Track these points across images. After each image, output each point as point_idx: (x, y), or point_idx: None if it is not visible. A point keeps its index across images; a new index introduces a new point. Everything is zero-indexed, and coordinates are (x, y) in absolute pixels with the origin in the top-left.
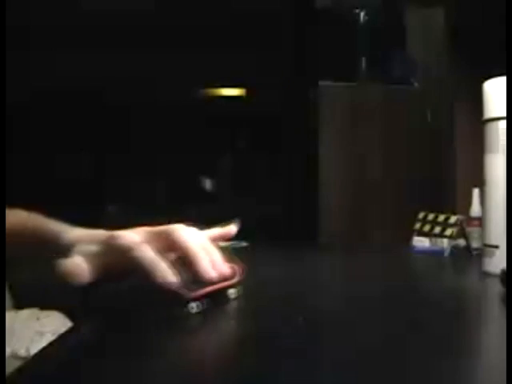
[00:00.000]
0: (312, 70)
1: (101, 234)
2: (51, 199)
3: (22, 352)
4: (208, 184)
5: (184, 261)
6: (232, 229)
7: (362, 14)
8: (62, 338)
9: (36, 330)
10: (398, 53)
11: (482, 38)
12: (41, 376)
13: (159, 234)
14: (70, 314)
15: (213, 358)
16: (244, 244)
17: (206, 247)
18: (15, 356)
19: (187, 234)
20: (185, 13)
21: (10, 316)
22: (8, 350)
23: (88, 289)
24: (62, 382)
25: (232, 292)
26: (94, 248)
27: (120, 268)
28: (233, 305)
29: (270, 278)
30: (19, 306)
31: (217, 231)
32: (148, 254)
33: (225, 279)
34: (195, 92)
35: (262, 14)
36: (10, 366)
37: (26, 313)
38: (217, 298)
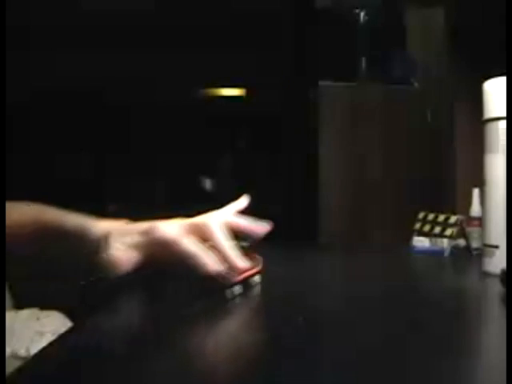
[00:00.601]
0: (312, 69)
1: (135, 226)
2: (51, 199)
3: (22, 352)
4: (208, 184)
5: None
6: (242, 202)
7: (362, 14)
8: (61, 338)
9: (36, 330)
10: (398, 53)
11: (481, 38)
12: (41, 376)
13: (193, 228)
14: (69, 314)
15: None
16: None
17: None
18: (15, 356)
19: (218, 229)
20: (185, 13)
21: (10, 316)
22: (8, 350)
23: (86, 287)
24: (61, 381)
25: (256, 278)
26: (131, 240)
27: (161, 259)
28: (237, 303)
29: (270, 277)
30: (19, 306)
31: (232, 208)
32: (193, 246)
33: (251, 267)
34: (195, 92)
35: (262, 13)
36: (10, 366)
37: (25, 313)
38: (245, 282)
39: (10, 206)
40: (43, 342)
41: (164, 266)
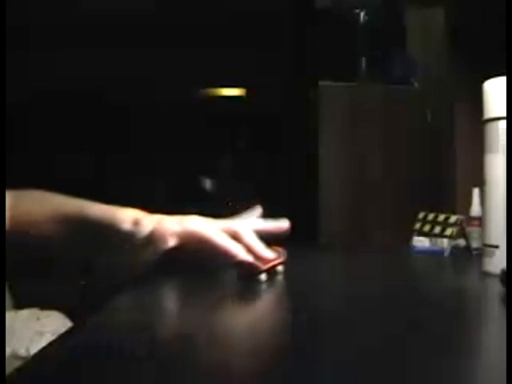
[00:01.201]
0: (312, 69)
1: (165, 216)
2: None
3: (22, 352)
4: (208, 184)
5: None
6: (257, 211)
7: (362, 14)
8: (61, 338)
9: (36, 330)
10: (397, 53)
11: (481, 37)
12: (41, 376)
13: (225, 229)
14: (69, 314)
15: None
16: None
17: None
18: (15, 356)
19: (244, 230)
20: (185, 13)
21: (10, 316)
22: (8, 350)
23: (86, 286)
24: (61, 381)
25: (280, 268)
26: (167, 225)
27: (194, 249)
28: (240, 301)
29: (270, 277)
30: (19, 306)
31: (249, 216)
32: (225, 239)
33: (276, 258)
34: (195, 92)
35: (262, 13)
36: (10, 366)
37: (25, 313)
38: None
39: (21, 196)
40: (43, 342)
41: (196, 256)
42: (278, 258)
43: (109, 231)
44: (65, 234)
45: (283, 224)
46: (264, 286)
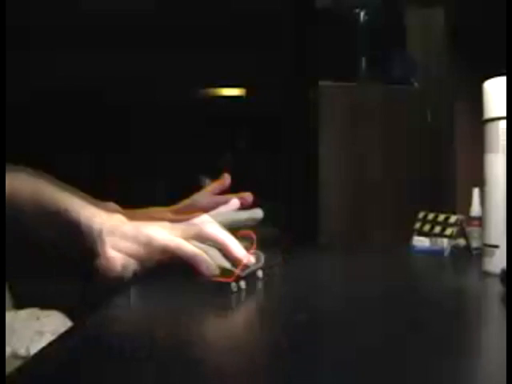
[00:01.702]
0: (312, 69)
1: (129, 230)
2: None
3: (22, 352)
4: (208, 184)
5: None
6: (226, 180)
7: (361, 14)
8: (61, 338)
9: (36, 329)
10: (397, 53)
11: (481, 38)
12: (41, 376)
13: (189, 231)
14: (69, 314)
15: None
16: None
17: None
18: (15, 356)
19: (213, 228)
20: (185, 13)
21: (10, 316)
22: (8, 350)
23: (87, 286)
24: (61, 382)
25: (259, 273)
26: (127, 247)
27: (160, 262)
28: (236, 299)
29: (270, 277)
30: (19, 306)
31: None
32: (191, 250)
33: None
34: (195, 92)
35: (262, 14)
36: (10, 366)
37: (25, 313)
38: (249, 278)
39: (8, 170)
40: (43, 342)
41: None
42: (256, 262)
43: (74, 235)
44: (39, 221)
45: (257, 213)
46: (265, 286)
